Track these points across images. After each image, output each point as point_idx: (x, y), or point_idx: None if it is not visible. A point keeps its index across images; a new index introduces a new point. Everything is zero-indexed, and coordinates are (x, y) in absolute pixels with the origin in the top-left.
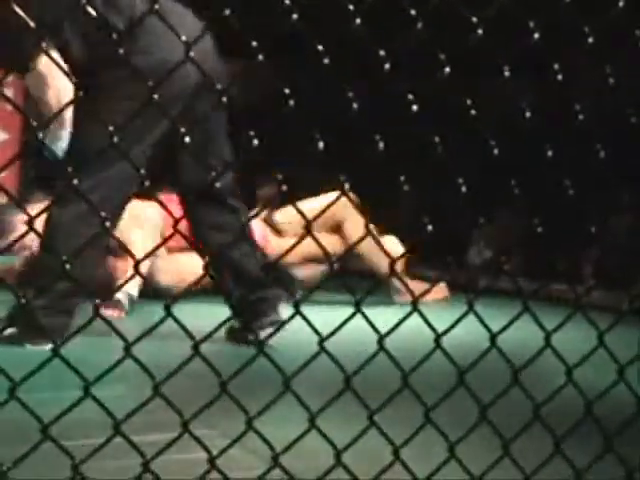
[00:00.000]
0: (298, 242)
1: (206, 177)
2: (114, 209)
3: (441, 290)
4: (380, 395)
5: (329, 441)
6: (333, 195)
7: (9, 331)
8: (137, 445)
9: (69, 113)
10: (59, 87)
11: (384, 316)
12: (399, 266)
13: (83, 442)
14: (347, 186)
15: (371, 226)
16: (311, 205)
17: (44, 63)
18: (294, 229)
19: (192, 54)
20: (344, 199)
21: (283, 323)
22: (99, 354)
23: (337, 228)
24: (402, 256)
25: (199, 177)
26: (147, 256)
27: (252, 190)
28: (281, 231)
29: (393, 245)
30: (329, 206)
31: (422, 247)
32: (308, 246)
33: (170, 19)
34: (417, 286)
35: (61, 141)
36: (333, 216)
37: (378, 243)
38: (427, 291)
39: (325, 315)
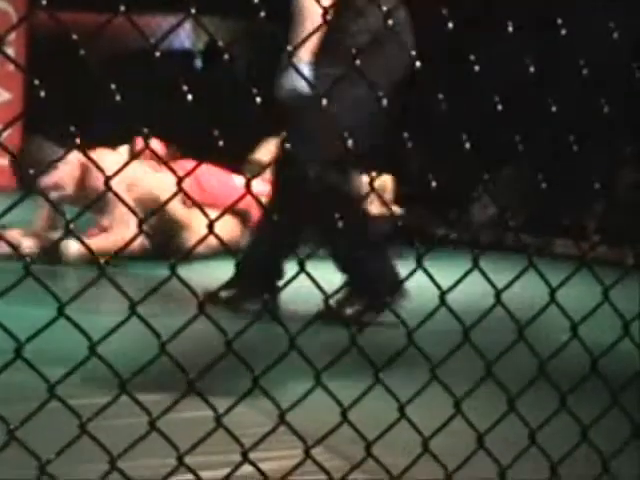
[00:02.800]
0: None
1: None
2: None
3: None
4: (386, 353)
5: (335, 398)
6: None
7: (226, 293)
8: (144, 404)
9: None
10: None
11: None
12: None
13: (89, 401)
14: None
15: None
16: None
17: None
18: None
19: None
20: None
21: (287, 283)
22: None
23: None
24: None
25: None
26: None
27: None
28: None
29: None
30: None
31: (427, 205)
32: None
33: None
34: None
35: (302, 65)
36: None
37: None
38: None
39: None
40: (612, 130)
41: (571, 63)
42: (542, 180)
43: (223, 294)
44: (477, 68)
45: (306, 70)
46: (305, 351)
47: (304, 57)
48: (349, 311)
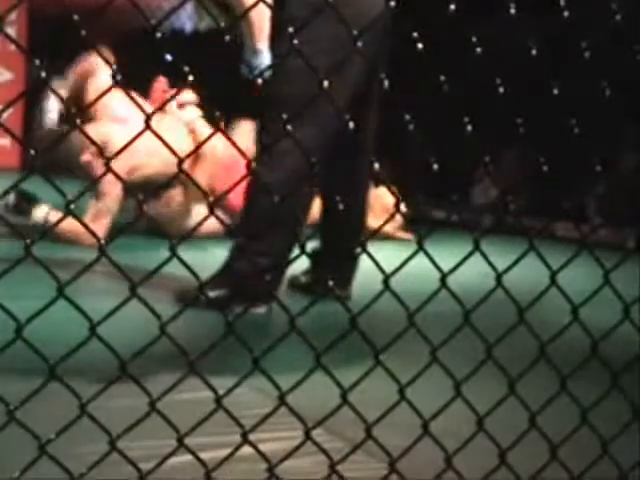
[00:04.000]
0: None
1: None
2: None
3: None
4: (386, 336)
5: (335, 380)
6: None
7: (216, 293)
8: (144, 385)
9: (266, 28)
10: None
11: (380, 254)
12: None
13: (90, 382)
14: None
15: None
16: None
17: None
18: None
19: None
20: None
21: (288, 263)
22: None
23: None
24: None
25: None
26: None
27: None
28: None
29: (387, 196)
30: None
31: (427, 187)
32: None
33: None
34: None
35: (261, 55)
36: None
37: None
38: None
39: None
40: (614, 113)
41: (573, 44)
42: (544, 163)
43: (211, 294)
44: (479, 50)
45: (266, 59)
46: (305, 332)
47: (261, 47)
48: (212, 294)
